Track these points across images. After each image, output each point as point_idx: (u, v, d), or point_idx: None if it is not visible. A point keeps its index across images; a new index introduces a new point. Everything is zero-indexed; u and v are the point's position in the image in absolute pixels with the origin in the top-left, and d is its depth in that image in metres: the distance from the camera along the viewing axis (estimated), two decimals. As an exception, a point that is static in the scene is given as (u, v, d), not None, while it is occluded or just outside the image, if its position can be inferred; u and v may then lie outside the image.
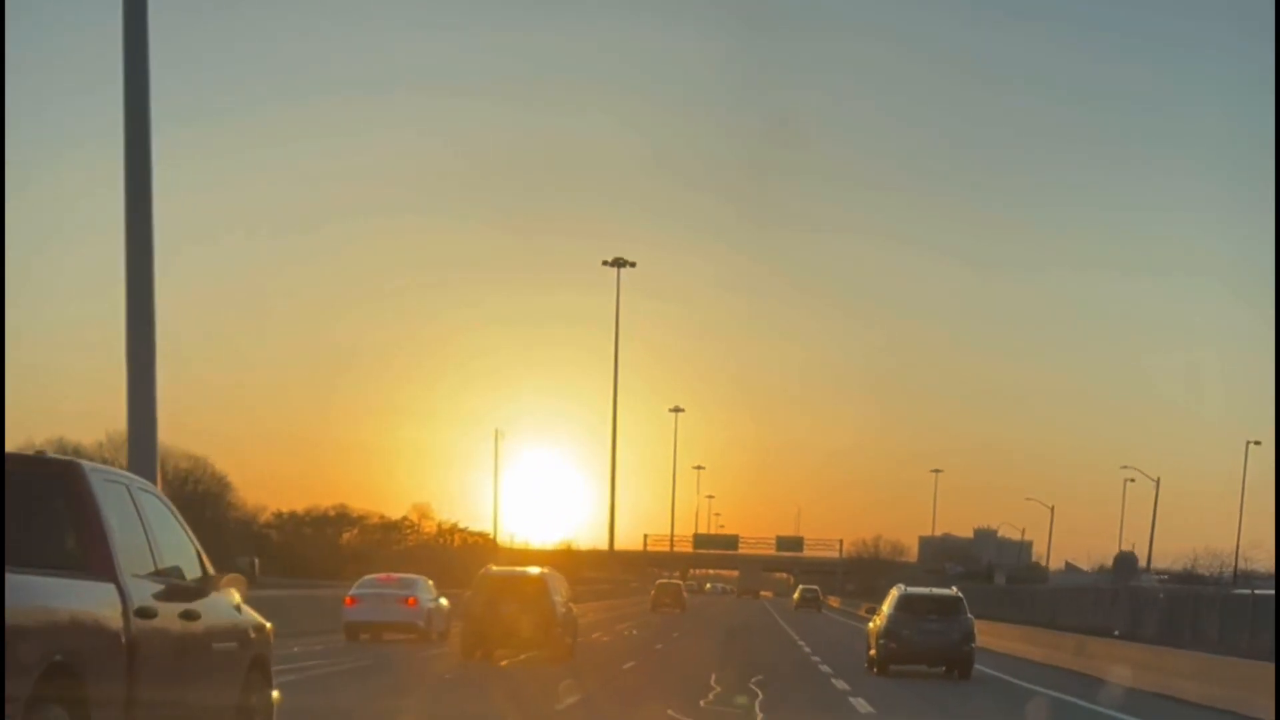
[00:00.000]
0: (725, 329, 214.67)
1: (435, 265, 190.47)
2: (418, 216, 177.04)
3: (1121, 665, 31.20)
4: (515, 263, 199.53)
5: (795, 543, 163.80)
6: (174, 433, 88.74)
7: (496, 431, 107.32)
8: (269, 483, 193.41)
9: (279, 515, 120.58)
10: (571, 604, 34.07)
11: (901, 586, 33.85)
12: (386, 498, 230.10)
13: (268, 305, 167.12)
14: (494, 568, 34.59)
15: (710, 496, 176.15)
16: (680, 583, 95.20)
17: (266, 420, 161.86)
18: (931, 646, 31.70)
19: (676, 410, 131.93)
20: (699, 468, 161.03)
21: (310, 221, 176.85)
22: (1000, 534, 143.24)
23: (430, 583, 41.19)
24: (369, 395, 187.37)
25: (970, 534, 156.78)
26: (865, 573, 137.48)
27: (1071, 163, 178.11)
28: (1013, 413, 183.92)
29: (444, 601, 41.73)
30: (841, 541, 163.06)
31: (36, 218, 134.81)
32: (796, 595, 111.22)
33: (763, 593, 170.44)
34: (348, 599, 39.28)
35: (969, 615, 32.36)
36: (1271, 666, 23.85)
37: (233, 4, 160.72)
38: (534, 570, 33.72)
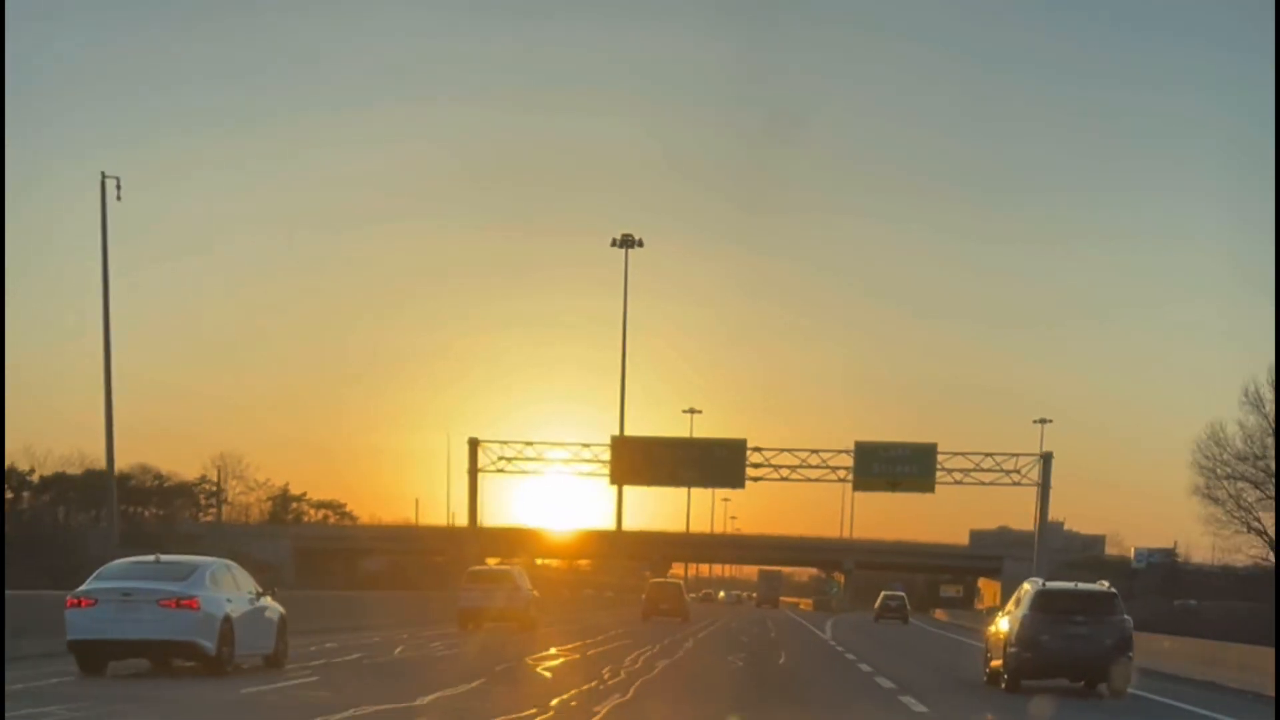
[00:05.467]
0: (738, 326, 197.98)
1: (437, 269, 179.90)
2: (417, 221, 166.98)
3: None
4: (515, 265, 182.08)
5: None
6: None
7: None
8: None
9: None
10: None
11: (1037, 580, 28.17)
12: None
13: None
14: None
15: (726, 499, 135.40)
16: (680, 582, 76.51)
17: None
18: (1078, 655, 26.54)
19: (626, 244, 78.37)
20: (694, 410, 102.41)
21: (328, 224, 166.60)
22: (1066, 527, 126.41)
23: (234, 572, 25.16)
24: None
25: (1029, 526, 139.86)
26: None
27: (1088, 153, 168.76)
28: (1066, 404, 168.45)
29: (271, 605, 25.78)
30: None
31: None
32: (878, 603, 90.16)
33: (785, 599, 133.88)
34: (72, 599, 23.07)
35: (1126, 616, 27.07)
36: None
37: (239, 11, 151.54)
38: None
